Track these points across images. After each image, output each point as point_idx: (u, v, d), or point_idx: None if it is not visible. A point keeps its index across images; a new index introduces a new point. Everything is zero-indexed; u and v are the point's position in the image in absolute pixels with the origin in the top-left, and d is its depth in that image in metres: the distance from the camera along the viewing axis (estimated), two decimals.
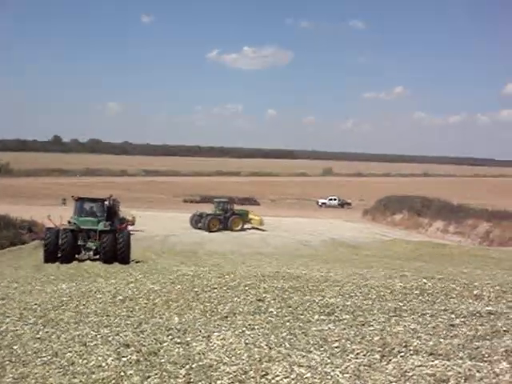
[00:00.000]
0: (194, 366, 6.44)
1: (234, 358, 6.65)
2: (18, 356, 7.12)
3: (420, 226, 59.77)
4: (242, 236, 47.44)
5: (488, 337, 7.30)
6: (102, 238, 23.19)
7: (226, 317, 9.02)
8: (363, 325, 8.16)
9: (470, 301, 9.80)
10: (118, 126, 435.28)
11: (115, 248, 22.94)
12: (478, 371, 5.94)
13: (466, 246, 45.09)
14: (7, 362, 6.89)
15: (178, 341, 7.48)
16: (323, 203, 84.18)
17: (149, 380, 6.15)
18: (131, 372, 6.35)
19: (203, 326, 8.35)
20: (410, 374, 5.96)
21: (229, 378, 6.06)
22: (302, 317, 8.82)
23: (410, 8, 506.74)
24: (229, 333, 7.81)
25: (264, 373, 6.15)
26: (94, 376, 6.32)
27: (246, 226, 51.59)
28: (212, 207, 53.17)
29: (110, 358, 6.78)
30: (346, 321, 8.46)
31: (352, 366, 6.28)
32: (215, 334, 7.75)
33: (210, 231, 48.71)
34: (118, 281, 14.11)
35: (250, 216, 52.65)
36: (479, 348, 6.76)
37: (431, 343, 7.02)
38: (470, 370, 5.98)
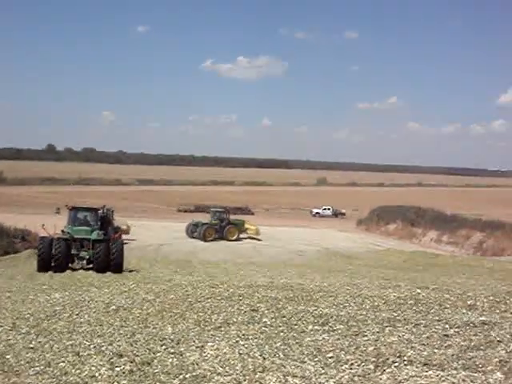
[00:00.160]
0: (187, 376, 6.41)
1: (227, 368, 6.63)
2: (10, 366, 7.07)
3: (414, 236, 59.85)
4: (236, 245, 47.37)
5: (482, 347, 7.30)
6: (96, 248, 23.20)
7: (220, 327, 9.00)
8: (357, 335, 8.16)
9: (464, 311, 9.82)
10: (112, 135, 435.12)
11: (108, 257, 22.93)
12: (472, 381, 5.95)
13: (459, 255, 45.12)
14: (0, 372, 6.85)
15: (172, 351, 7.45)
16: (317, 213, 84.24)
17: None
18: (124, 382, 6.32)
19: (197, 336, 8.33)
20: None
21: None
22: (295, 327, 8.80)
23: (405, 19, 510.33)
24: (223, 343, 7.79)
25: (258, 383, 6.13)
26: None
27: (241, 236, 51.48)
28: (206, 216, 53.07)
29: (104, 368, 6.74)
30: (340, 331, 8.45)
31: (346, 377, 6.27)
32: (209, 344, 7.72)
33: (206, 240, 48.60)
34: (111, 290, 14.08)
35: (246, 226, 52.55)
36: (473, 358, 6.76)
37: (425, 353, 7.02)
38: (464, 380, 5.99)
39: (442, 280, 19.01)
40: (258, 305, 10.51)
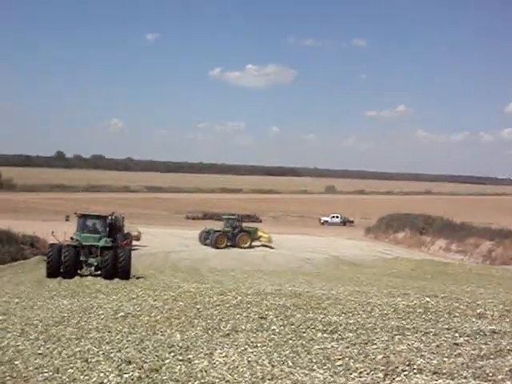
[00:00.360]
0: (196, 383, 6.40)
1: (236, 375, 6.61)
2: (19, 372, 7.08)
3: (422, 245, 59.56)
4: (244, 253, 47.28)
5: (492, 356, 7.26)
6: (104, 255, 23.43)
7: (229, 334, 8.99)
8: (366, 343, 8.12)
9: (474, 319, 9.77)
10: (120, 142, 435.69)
11: (116, 264, 23.12)
12: None
13: (468, 264, 44.91)
14: (8, 378, 6.86)
15: (180, 358, 7.44)
16: (325, 221, 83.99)
17: None
18: None
19: (205, 343, 8.32)
20: None
21: None
22: (304, 335, 8.78)
23: (412, 27, 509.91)
24: (231, 350, 7.77)
25: None
26: None
27: (254, 244, 51.34)
28: (216, 224, 52.95)
29: (112, 375, 6.74)
30: (349, 339, 8.42)
31: None
32: (217, 351, 7.71)
33: (217, 248, 48.52)
34: (119, 297, 14.11)
35: (259, 233, 52.34)
36: (483, 367, 6.72)
37: (435, 362, 6.98)
38: None
39: (451, 288, 18.94)
40: (266, 312, 10.49)
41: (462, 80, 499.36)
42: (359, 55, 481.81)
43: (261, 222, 74.56)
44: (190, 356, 7.51)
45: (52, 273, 23.07)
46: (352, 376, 6.56)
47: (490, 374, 6.41)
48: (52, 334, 9.37)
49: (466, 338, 8.25)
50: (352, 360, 7.20)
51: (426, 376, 6.44)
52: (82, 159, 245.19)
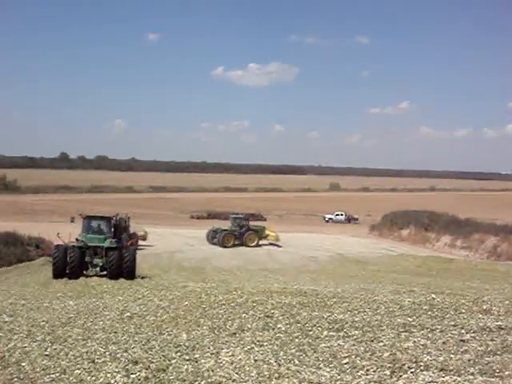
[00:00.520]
0: (202, 383, 6.41)
1: (243, 374, 6.61)
2: (26, 373, 7.10)
3: (427, 241, 59.45)
4: (249, 252, 47.30)
5: (499, 352, 7.24)
6: (109, 255, 23.64)
7: (235, 333, 8.99)
8: (373, 341, 8.12)
9: (480, 316, 9.75)
10: (124, 142, 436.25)
11: (121, 264, 23.31)
12: None
13: (473, 260, 44.89)
14: (15, 379, 6.87)
15: (187, 357, 7.45)
16: (330, 219, 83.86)
17: None
18: None
19: (212, 342, 8.32)
20: None
21: None
22: (310, 333, 8.78)
23: (415, 23, 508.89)
24: (237, 349, 7.78)
25: None
26: None
27: (262, 242, 51.44)
28: (222, 223, 53.17)
29: (119, 375, 6.75)
30: (355, 337, 8.42)
31: (362, 383, 6.24)
32: (224, 350, 7.72)
33: (225, 247, 48.73)
34: (125, 297, 14.12)
35: (267, 232, 52.52)
36: (490, 363, 6.71)
37: (441, 359, 6.97)
38: None
39: (457, 285, 18.93)
40: (272, 311, 10.49)
41: (465, 76, 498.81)
42: (362, 52, 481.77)
43: (265, 220, 74.53)
44: (197, 355, 7.52)
45: (58, 274, 23.30)
46: (359, 374, 6.56)
47: (497, 371, 6.40)
48: (58, 335, 9.38)
49: (473, 335, 8.24)
50: (358, 358, 7.20)
51: (433, 373, 6.44)
52: (86, 160, 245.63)
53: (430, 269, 35.04)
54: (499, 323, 8.95)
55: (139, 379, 6.61)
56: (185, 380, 6.51)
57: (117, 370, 6.95)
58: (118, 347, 8.21)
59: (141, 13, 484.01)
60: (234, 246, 49.52)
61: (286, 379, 6.36)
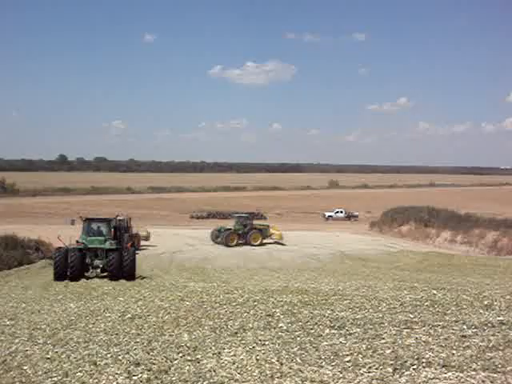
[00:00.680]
0: (205, 383, 6.40)
1: (245, 374, 6.61)
2: (28, 377, 7.09)
3: (427, 237, 59.41)
4: (249, 251, 47.24)
5: (501, 347, 7.24)
6: (109, 257, 23.72)
7: (236, 333, 8.98)
8: (374, 338, 8.11)
9: (481, 311, 9.74)
10: (123, 144, 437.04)
11: (121, 265, 23.40)
12: (491, 382, 5.90)
13: (474, 255, 44.87)
14: (18, 383, 6.86)
15: (189, 358, 7.44)
16: (329, 216, 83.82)
17: None
18: None
19: (213, 342, 8.31)
20: None
21: None
22: (312, 331, 8.77)
23: (412, 19, 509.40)
24: (239, 349, 7.77)
25: None
26: None
27: (266, 241, 51.43)
28: (223, 222, 53.16)
29: (121, 377, 6.75)
30: (356, 334, 8.41)
31: (365, 380, 6.23)
32: (226, 350, 7.71)
33: (228, 246, 48.76)
34: (126, 299, 14.11)
35: (272, 231, 52.56)
36: (492, 359, 6.70)
37: (444, 355, 6.96)
38: (483, 381, 5.93)
39: (458, 280, 18.91)
40: (273, 310, 10.49)
41: (463, 71, 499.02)
42: (359, 49, 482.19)
43: (265, 218, 74.53)
44: (199, 356, 7.51)
45: (59, 275, 23.38)
46: (361, 371, 6.55)
47: (500, 366, 6.40)
48: (60, 337, 9.38)
49: (474, 330, 8.23)
50: (360, 355, 7.19)
51: (435, 369, 6.43)
52: (85, 162, 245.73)
53: (431, 265, 34.98)
54: (501, 318, 8.94)
55: (141, 381, 6.60)
56: (187, 381, 6.50)
57: (119, 372, 6.95)
58: (120, 349, 8.20)
59: (136, 13, 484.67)
60: (237, 245, 49.56)
61: (289, 378, 6.35)
